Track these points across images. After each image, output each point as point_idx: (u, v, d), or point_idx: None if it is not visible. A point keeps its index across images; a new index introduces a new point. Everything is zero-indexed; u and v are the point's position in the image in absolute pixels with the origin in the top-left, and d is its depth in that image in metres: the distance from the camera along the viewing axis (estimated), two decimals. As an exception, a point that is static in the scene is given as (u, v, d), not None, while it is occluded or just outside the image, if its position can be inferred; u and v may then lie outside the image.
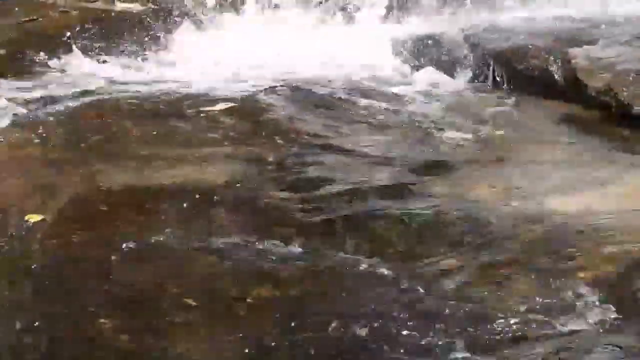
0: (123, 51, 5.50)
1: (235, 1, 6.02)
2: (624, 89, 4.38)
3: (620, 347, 2.66)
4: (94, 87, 4.87)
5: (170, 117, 4.39)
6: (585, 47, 4.87)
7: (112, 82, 4.98)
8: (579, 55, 4.76)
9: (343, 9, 6.03)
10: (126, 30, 5.71)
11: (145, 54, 5.47)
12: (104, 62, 5.38)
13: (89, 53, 5.41)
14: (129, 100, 4.58)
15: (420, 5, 5.98)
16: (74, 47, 5.42)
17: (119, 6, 6.13)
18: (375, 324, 2.85)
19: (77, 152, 4.05)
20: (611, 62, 4.59)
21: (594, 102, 4.57)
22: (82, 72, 5.17)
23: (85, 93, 4.75)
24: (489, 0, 5.79)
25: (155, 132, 4.24)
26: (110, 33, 5.69)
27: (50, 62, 5.32)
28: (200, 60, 5.38)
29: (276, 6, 6.00)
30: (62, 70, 5.22)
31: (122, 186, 3.72)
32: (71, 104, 4.56)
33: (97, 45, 5.49)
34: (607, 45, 4.86)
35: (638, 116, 4.27)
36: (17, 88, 4.88)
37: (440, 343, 2.76)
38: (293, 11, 5.99)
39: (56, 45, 5.47)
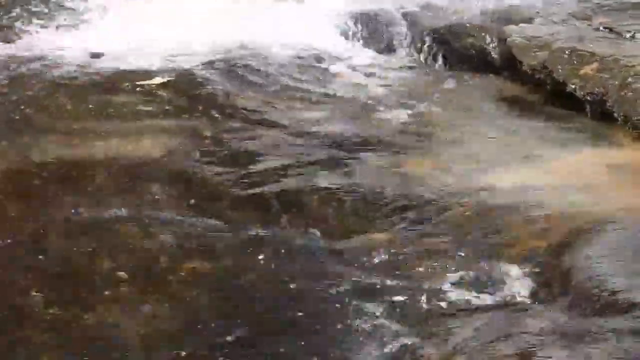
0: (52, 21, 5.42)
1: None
2: (559, 67, 4.41)
3: (549, 319, 2.69)
4: (27, 58, 4.80)
5: (105, 90, 4.35)
6: (521, 25, 4.90)
7: (44, 54, 4.91)
8: (514, 33, 4.79)
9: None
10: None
11: (80, 23, 5.40)
12: (37, 32, 5.30)
13: (22, 21, 5.32)
14: (63, 74, 4.52)
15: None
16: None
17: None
18: (305, 297, 2.87)
19: (8, 125, 3.99)
20: (546, 40, 4.62)
21: (529, 79, 4.61)
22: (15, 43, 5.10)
23: (17, 64, 4.68)
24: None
25: (89, 106, 4.19)
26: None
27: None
28: (137, 34, 5.33)
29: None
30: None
31: (54, 160, 3.68)
32: (2, 76, 4.49)
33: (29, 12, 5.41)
34: (543, 24, 4.89)
35: (572, 94, 4.31)
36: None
37: (369, 315, 2.78)
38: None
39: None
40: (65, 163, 3.68)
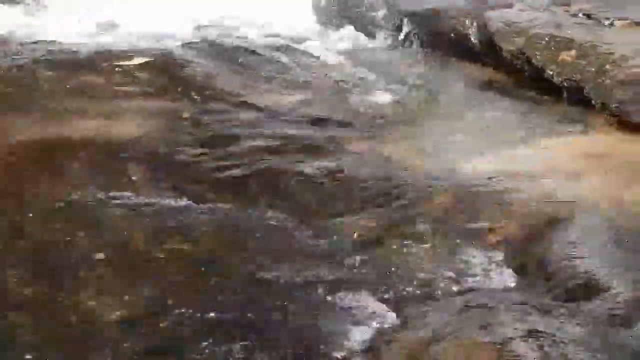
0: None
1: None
2: (537, 53, 4.42)
3: (525, 304, 2.70)
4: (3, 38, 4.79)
5: (84, 70, 4.33)
6: (501, 10, 4.91)
7: (25, 34, 4.90)
8: (494, 18, 4.80)
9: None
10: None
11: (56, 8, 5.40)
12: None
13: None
14: (42, 53, 4.49)
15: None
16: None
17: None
18: (282, 278, 2.87)
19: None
20: (525, 26, 4.63)
21: (508, 65, 4.62)
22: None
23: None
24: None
25: (68, 86, 4.18)
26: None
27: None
28: (115, 15, 5.33)
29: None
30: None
31: (31, 139, 3.65)
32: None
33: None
34: (523, 10, 4.90)
35: (549, 79, 4.32)
36: None
37: (346, 299, 2.79)
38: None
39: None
40: (42, 143, 3.65)
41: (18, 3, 5.56)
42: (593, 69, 4.15)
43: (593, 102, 4.09)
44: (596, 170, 3.59)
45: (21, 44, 4.67)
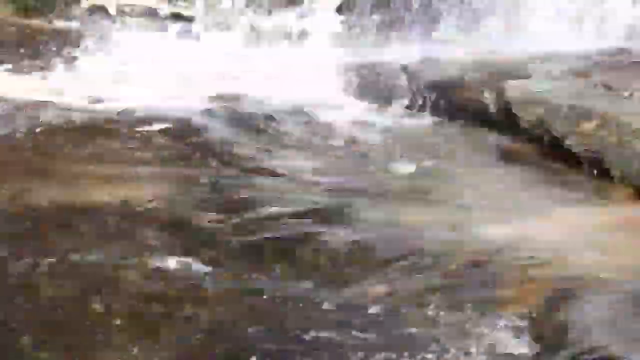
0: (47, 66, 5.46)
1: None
2: (557, 122, 4.42)
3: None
4: (29, 102, 4.83)
5: (103, 135, 4.36)
6: (519, 80, 4.92)
7: (47, 98, 4.94)
8: (513, 88, 4.80)
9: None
10: (58, 47, 5.68)
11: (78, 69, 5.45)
12: (43, 77, 5.34)
13: (22, 68, 5.36)
14: (63, 117, 4.53)
15: (365, 33, 6.03)
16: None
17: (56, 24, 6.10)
18: (300, 347, 2.84)
19: (5, 168, 3.99)
20: (544, 96, 4.64)
21: (527, 134, 4.62)
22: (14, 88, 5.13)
23: (17, 108, 4.70)
24: (428, 32, 5.85)
25: (87, 150, 4.20)
26: (44, 49, 5.64)
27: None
28: (134, 80, 5.36)
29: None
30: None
31: (49, 203, 3.67)
32: (1, 119, 4.51)
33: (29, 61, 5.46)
34: (541, 79, 4.91)
35: (569, 149, 4.31)
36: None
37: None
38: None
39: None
40: (59, 207, 3.67)
41: (39, 68, 5.61)
42: (613, 140, 4.14)
43: (613, 173, 4.07)
44: (616, 241, 3.56)
45: (39, 109, 4.71)
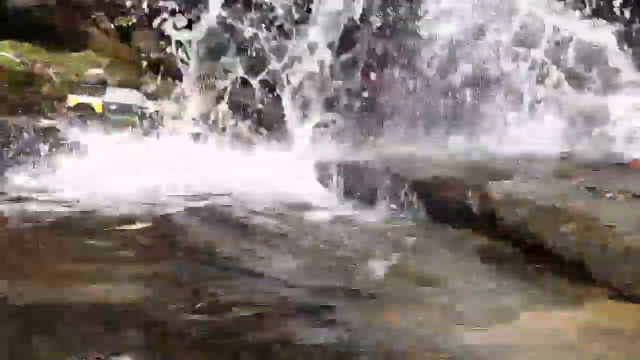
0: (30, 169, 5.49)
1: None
2: (538, 224, 4.43)
3: None
4: (10, 201, 4.84)
5: (85, 234, 4.36)
6: (502, 181, 4.94)
7: (22, 196, 4.95)
8: (496, 189, 4.83)
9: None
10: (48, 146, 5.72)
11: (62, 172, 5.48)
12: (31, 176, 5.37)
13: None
14: (45, 217, 4.53)
15: (345, 134, 6.10)
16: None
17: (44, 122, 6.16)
18: None
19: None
20: (527, 197, 4.66)
21: (509, 235, 4.62)
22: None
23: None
24: (413, 133, 5.92)
25: (69, 249, 4.20)
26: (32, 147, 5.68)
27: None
28: (116, 179, 5.39)
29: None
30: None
31: (30, 303, 3.65)
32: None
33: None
34: (524, 181, 4.94)
35: (550, 251, 4.32)
36: None
37: None
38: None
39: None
40: (40, 307, 3.65)
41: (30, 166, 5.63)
42: (594, 243, 4.14)
43: (594, 276, 4.07)
44: (597, 344, 3.54)
45: (22, 208, 4.71)
